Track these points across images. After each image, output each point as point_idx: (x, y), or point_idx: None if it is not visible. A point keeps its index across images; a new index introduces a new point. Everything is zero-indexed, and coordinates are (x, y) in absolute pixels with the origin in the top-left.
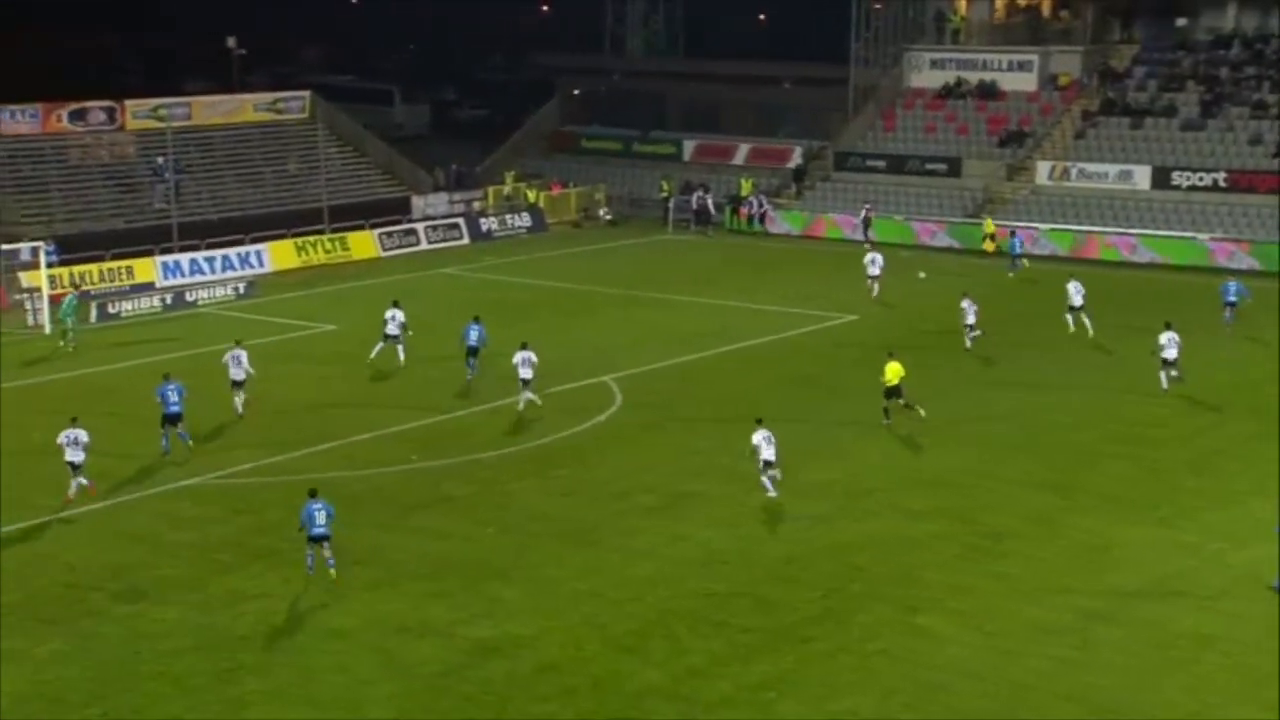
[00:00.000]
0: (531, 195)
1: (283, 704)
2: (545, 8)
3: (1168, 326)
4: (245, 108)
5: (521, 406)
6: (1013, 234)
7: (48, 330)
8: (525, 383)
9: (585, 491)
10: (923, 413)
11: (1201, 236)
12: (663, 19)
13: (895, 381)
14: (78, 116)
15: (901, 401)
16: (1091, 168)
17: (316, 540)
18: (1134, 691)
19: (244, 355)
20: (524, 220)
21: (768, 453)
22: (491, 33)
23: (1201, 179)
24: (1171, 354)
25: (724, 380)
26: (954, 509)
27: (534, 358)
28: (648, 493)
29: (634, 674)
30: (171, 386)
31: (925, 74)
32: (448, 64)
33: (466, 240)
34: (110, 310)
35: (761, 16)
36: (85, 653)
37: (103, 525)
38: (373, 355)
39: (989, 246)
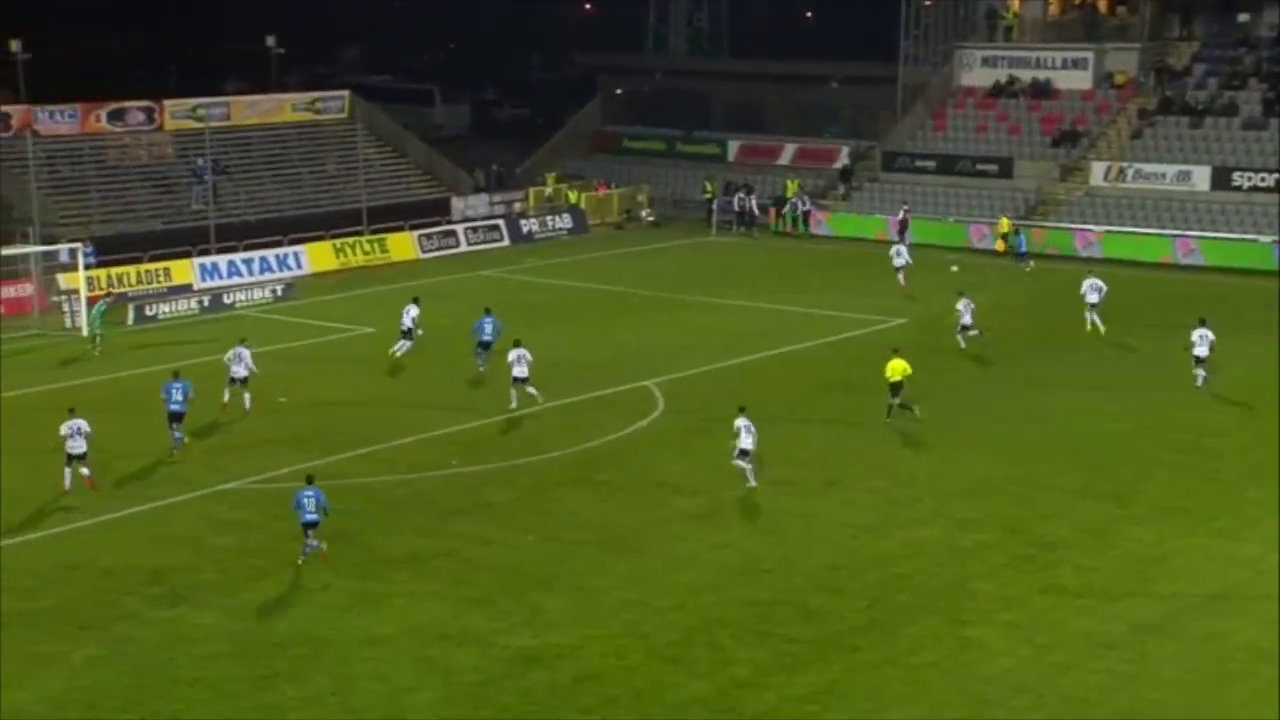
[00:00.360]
0: (573, 196)
1: (320, 711)
2: (588, 6)
3: (1201, 323)
4: (284, 108)
5: (514, 405)
6: (1017, 232)
7: (85, 332)
8: (520, 380)
9: (627, 497)
10: (918, 413)
11: (1265, 239)
12: (707, 17)
13: (898, 378)
14: (116, 117)
15: (897, 401)
16: (1149, 168)
17: (306, 527)
18: (1190, 706)
19: (247, 353)
20: (565, 222)
21: (746, 441)
22: (532, 32)
23: (1264, 179)
24: (1202, 351)
25: (767, 384)
26: (1003, 518)
27: (528, 355)
28: (690, 498)
29: (677, 685)
30: (177, 385)
31: (976, 72)
32: (488, 64)
33: (507, 242)
34: (147, 312)
35: (809, 14)
36: (122, 657)
37: (139, 529)
38: (397, 353)
39: (1000, 246)
